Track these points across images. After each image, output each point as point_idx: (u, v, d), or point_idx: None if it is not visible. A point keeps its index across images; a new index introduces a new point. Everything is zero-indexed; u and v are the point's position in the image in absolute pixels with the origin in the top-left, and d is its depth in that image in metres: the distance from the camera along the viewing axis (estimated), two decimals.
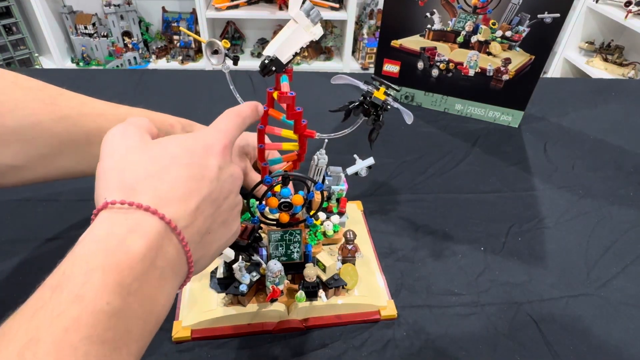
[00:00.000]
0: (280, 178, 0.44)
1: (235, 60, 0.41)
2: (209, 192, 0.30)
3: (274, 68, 0.38)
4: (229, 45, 0.40)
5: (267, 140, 0.45)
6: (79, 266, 0.24)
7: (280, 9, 2.39)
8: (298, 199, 0.44)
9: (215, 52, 0.39)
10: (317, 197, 0.51)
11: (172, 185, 0.29)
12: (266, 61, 0.38)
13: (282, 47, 0.38)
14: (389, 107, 0.43)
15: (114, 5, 2.35)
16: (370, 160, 0.55)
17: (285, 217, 0.45)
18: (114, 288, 0.24)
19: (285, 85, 0.42)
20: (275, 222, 0.47)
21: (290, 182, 0.48)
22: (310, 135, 0.44)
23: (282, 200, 0.44)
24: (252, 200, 0.49)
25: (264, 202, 0.46)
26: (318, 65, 2.59)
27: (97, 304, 0.23)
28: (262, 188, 0.44)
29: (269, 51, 0.38)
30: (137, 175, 0.29)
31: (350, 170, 0.55)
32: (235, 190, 0.34)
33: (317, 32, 0.40)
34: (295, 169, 0.48)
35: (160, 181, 0.29)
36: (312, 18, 0.39)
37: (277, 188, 0.45)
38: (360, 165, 0.54)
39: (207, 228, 0.31)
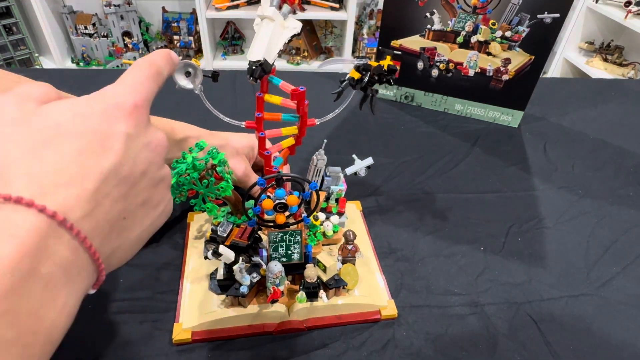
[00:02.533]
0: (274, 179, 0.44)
1: (215, 77, 0.38)
2: (115, 167, 0.23)
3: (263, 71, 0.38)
4: (200, 64, 0.37)
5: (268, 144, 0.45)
6: None
7: (280, 9, 2.38)
8: (293, 199, 0.44)
9: (188, 73, 0.36)
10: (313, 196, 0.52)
11: (57, 163, 0.22)
12: (255, 67, 0.37)
13: (268, 49, 0.38)
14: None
15: (114, 6, 2.35)
16: (369, 160, 0.55)
17: (281, 218, 0.45)
18: None
19: (285, 84, 0.42)
20: (272, 224, 0.47)
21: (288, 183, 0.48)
22: (311, 124, 0.44)
23: (277, 201, 0.44)
24: (250, 202, 0.49)
25: (259, 205, 0.46)
26: (318, 65, 2.59)
27: None
28: (258, 190, 0.44)
29: (257, 56, 0.37)
30: (8, 156, 0.21)
31: (349, 171, 0.55)
32: (157, 161, 0.27)
33: (296, 25, 0.40)
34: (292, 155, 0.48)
35: (40, 160, 0.21)
36: (283, 13, 0.39)
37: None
38: (359, 165, 0.55)
39: (120, 212, 0.24)
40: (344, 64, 0.44)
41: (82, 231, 0.22)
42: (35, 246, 0.20)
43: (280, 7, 0.38)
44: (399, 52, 0.39)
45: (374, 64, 0.41)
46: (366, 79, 0.42)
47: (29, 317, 0.20)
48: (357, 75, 0.42)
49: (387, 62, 0.42)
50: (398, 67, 0.90)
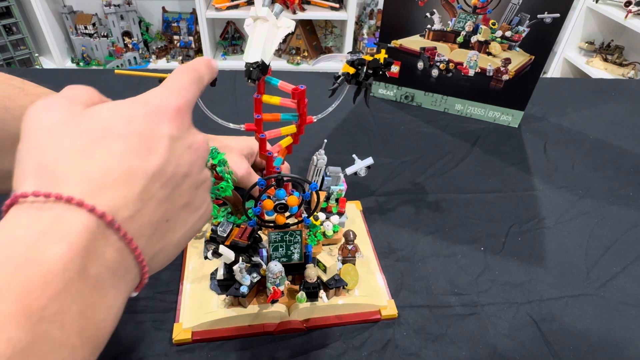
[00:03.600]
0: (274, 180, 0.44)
1: (213, 82, 0.39)
2: (159, 169, 0.24)
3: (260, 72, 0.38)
4: None
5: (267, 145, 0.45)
6: None
7: (272, 9, 2.39)
8: (293, 200, 0.44)
9: None
10: (314, 197, 0.52)
11: (106, 163, 0.22)
12: (252, 68, 0.37)
13: (264, 50, 0.38)
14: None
15: (114, 6, 2.35)
16: (369, 160, 0.55)
17: (281, 219, 0.45)
18: (17, 317, 0.18)
19: (284, 83, 0.42)
20: (272, 224, 0.47)
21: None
22: (309, 122, 0.44)
23: (277, 202, 0.44)
24: (250, 202, 0.49)
25: (259, 205, 0.46)
26: (318, 65, 2.58)
27: None
28: (257, 190, 0.44)
29: (255, 57, 0.37)
30: (58, 156, 0.22)
31: (350, 170, 0.55)
32: (198, 163, 0.27)
33: (289, 24, 0.40)
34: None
35: (88, 161, 0.22)
36: (275, 12, 0.39)
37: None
38: (360, 165, 0.55)
39: (163, 215, 0.24)
40: (337, 60, 0.44)
41: (129, 233, 0.22)
42: (85, 247, 0.20)
43: (273, 10, 0.38)
44: (392, 45, 0.40)
45: (367, 58, 0.42)
46: (363, 73, 0.42)
47: (79, 319, 0.20)
48: (351, 70, 0.42)
49: (382, 55, 0.42)
50: (397, 65, 0.90)
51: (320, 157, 0.52)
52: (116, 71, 0.39)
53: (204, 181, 0.28)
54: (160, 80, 0.31)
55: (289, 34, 0.40)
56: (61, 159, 0.22)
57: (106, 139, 0.23)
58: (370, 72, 0.42)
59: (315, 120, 0.45)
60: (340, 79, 0.42)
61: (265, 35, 0.37)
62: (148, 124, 0.24)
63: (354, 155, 0.55)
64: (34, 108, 0.25)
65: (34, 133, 0.23)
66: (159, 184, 0.24)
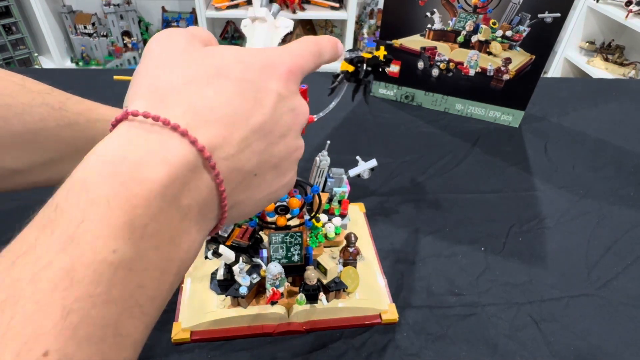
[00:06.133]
0: None
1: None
2: (262, 121, 0.24)
3: None
4: None
5: None
6: (76, 197, 0.18)
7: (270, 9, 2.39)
8: (294, 202, 0.44)
9: None
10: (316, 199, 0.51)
11: (214, 101, 0.22)
12: None
13: None
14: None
15: (114, 5, 2.35)
16: (373, 162, 0.54)
17: (282, 221, 0.45)
18: (123, 230, 0.18)
19: None
20: (273, 225, 0.47)
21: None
22: (310, 121, 0.44)
23: (278, 203, 0.44)
24: None
25: None
26: None
27: (99, 251, 0.17)
28: None
29: None
30: (171, 82, 0.22)
31: (353, 172, 0.54)
32: (296, 128, 0.27)
33: (287, 24, 0.40)
34: None
35: (198, 94, 0.22)
36: (273, 12, 0.39)
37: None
38: (363, 167, 0.54)
39: (253, 167, 0.24)
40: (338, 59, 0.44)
41: (221, 173, 0.22)
42: (182, 176, 0.20)
43: (271, 10, 0.38)
44: (391, 43, 0.40)
45: (366, 55, 0.41)
46: (362, 70, 0.42)
47: (169, 244, 0.20)
48: (350, 68, 0.42)
49: (381, 52, 0.42)
50: (397, 64, 0.90)
51: (323, 159, 0.52)
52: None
53: (296, 148, 0.28)
54: None
55: (288, 34, 0.40)
56: (173, 85, 0.22)
57: (219, 78, 0.23)
58: (370, 69, 0.42)
59: (316, 119, 0.45)
60: (340, 77, 0.42)
61: (264, 35, 0.37)
62: (261, 76, 0.24)
63: (357, 157, 0.55)
64: (156, 35, 0.26)
65: (152, 57, 0.24)
66: (258, 135, 0.24)
